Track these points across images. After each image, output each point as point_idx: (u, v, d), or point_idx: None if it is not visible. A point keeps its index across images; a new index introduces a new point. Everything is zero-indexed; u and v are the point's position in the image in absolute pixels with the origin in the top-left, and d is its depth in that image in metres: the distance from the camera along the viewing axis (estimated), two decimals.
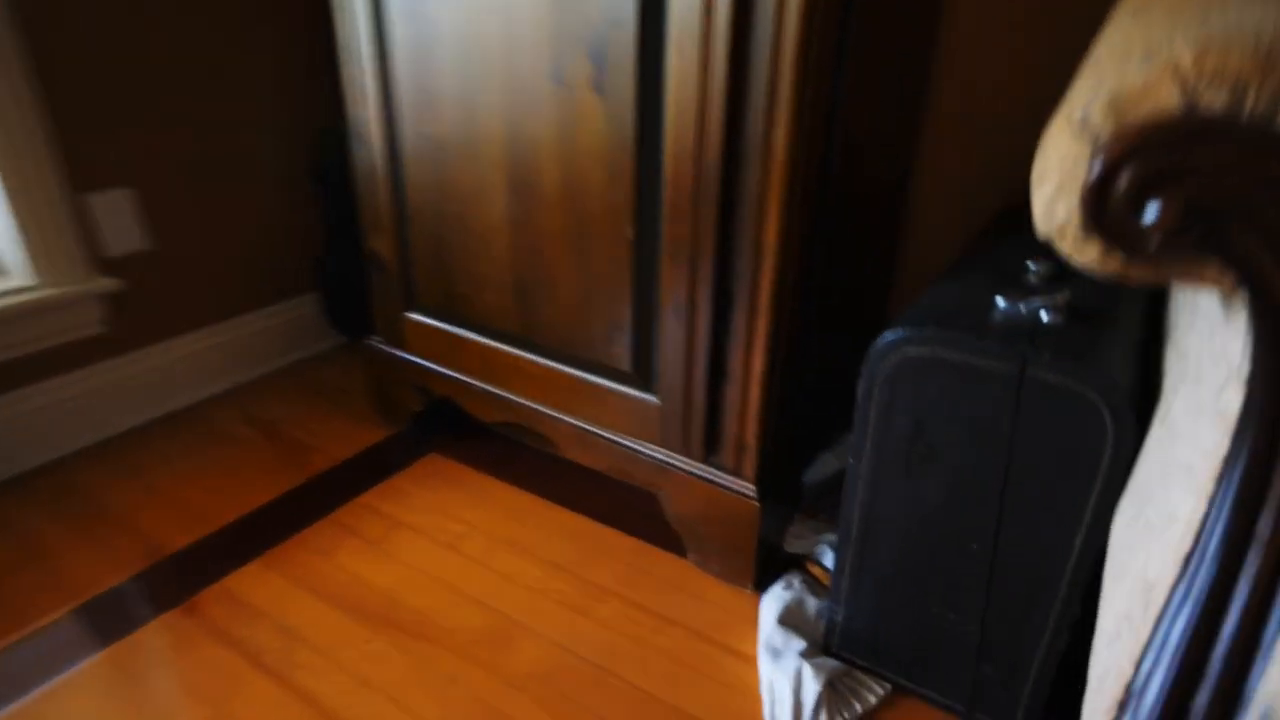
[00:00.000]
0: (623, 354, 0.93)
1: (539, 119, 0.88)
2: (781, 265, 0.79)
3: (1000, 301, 0.68)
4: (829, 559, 0.94)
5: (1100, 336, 0.63)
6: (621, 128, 0.82)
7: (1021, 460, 0.64)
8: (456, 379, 1.14)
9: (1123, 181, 0.34)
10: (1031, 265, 0.75)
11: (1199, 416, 0.44)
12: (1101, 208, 0.35)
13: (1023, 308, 0.66)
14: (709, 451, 0.92)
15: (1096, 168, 0.35)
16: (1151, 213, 0.33)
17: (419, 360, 1.18)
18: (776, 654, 0.84)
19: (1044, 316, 0.65)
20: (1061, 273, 0.75)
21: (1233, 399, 0.39)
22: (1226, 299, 0.41)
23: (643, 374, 0.93)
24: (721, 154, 0.76)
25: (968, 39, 1.04)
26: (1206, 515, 0.39)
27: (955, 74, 1.06)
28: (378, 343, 1.23)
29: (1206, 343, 0.46)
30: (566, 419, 1.03)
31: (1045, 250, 0.83)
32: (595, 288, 0.92)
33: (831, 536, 0.97)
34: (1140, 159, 0.33)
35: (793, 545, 0.98)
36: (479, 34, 0.89)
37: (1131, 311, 0.69)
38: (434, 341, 1.14)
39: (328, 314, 1.57)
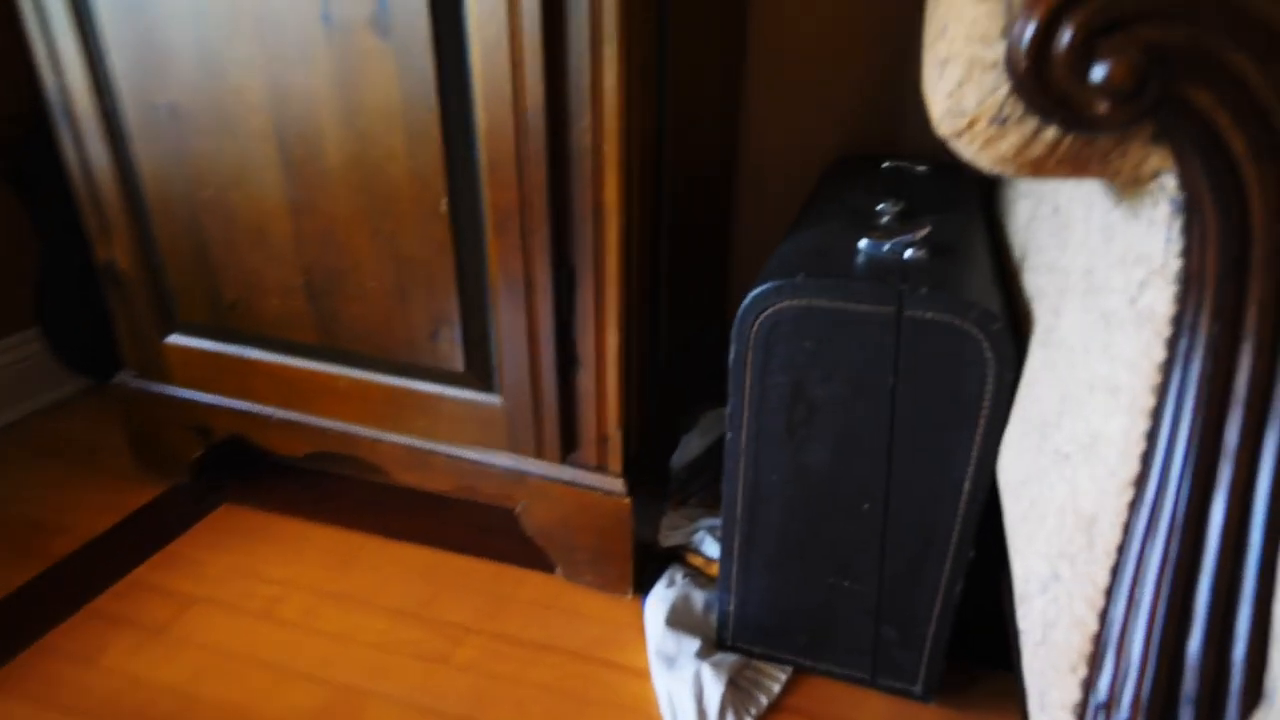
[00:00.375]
0: (453, 352, 0.79)
1: (311, 73, 0.71)
2: (626, 228, 0.70)
3: (863, 243, 0.63)
4: (709, 546, 0.87)
5: (964, 269, 0.61)
6: (419, 77, 0.68)
7: (904, 406, 0.60)
8: (245, 411, 0.93)
9: (1065, 36, 0.28)
10: (884, 206, 0.72)
11: (1110, 329, 0.40)
12: (1041, 72, 0.29)
13: (886, 247, 0.63)
14: (567, 450, 0.81)
15: (1029, 27, 0.29)
16: (1100, 71, 0.28)
17: (191, 394, 0.95)
18: (670, 661, 0.75)
19: (908, 254, 0.62)
20: (912, 210, 0.73)
21: (1158, 300, 0.35)
22: (1135, 195, 0.38)
23: (479, 373, 0.80)
24: (545, 101, 0.65)
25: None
26: (1152, 431, 0.35)
27: (772, 26, 1.03)
28: (132, 379, 0.98)
29: (1101, 252, 0.43)
30: (392, 438, 0.87)
31: (890, 191, 0.82)
32: (409, 276, 0.77)
33: (708, 522, 0.91)
34: (1081, 6, 0.27)
35: (668, 538, 0.90)
36: None
37: (979, 245, 0.68)
38: (208, 368, 0.92)
39: (57, 352, 1.25)
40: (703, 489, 0.97)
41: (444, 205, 0.72)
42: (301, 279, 0.81)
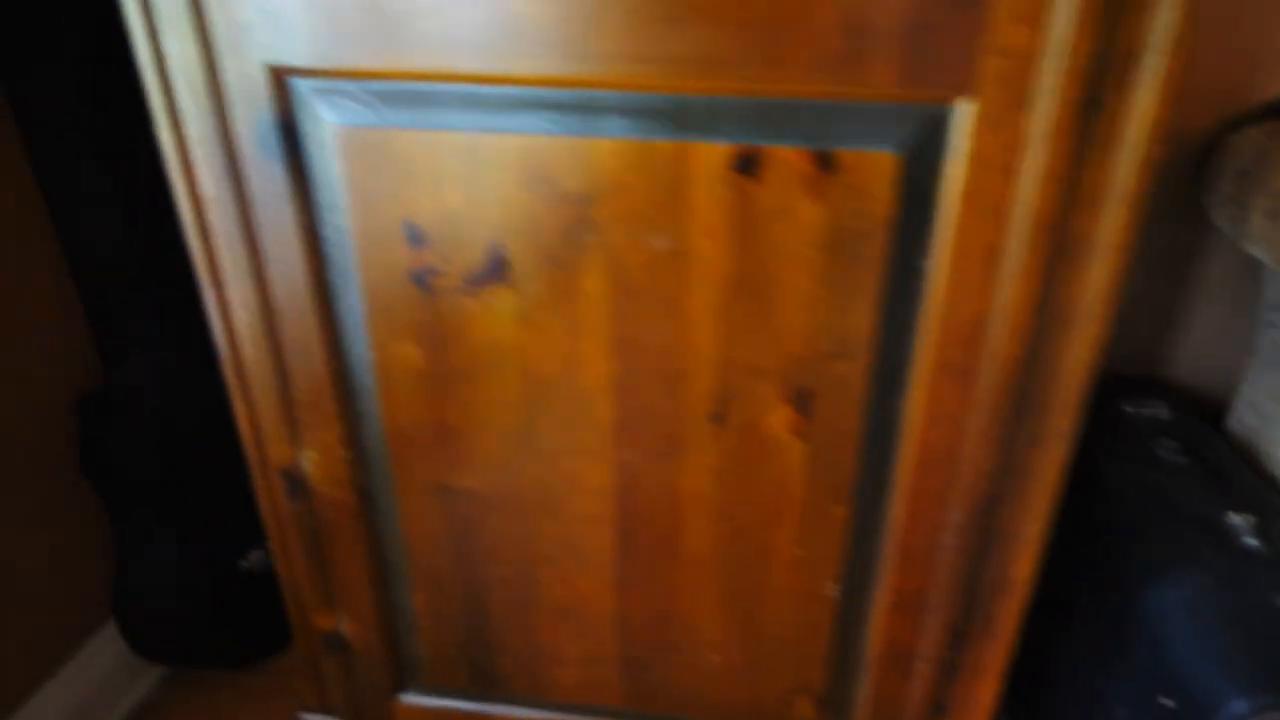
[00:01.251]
0: (808, 714, 0.71)
1: (679, 468, 0.60)
2: (1027, 593, 0.65)
3: None
4: None
5: None
6: (831, 475, 0.59)
7: None
8: None
9: None
10: (1235, 520, 0.72)
11: None
12: None
13: None
14: None
15: None
16: None
17: None
18: None
19: None
20: (1265, 525, 0.73)
21: None
22: None
23: None
24: (977, 499, 0.59)
25: None
26: None
27: None
28: None
29: None
30: None
31: (1181, 458, 0.82)
32: (767, 650, 0.68)
33: None
34: None
35: None
36: (567, 363, 0.57)
37: None
38: None
39: (136, 645, 1.02)
40: None
41: (832, 590, 0.64)
42: (617, 652, 0.70)
